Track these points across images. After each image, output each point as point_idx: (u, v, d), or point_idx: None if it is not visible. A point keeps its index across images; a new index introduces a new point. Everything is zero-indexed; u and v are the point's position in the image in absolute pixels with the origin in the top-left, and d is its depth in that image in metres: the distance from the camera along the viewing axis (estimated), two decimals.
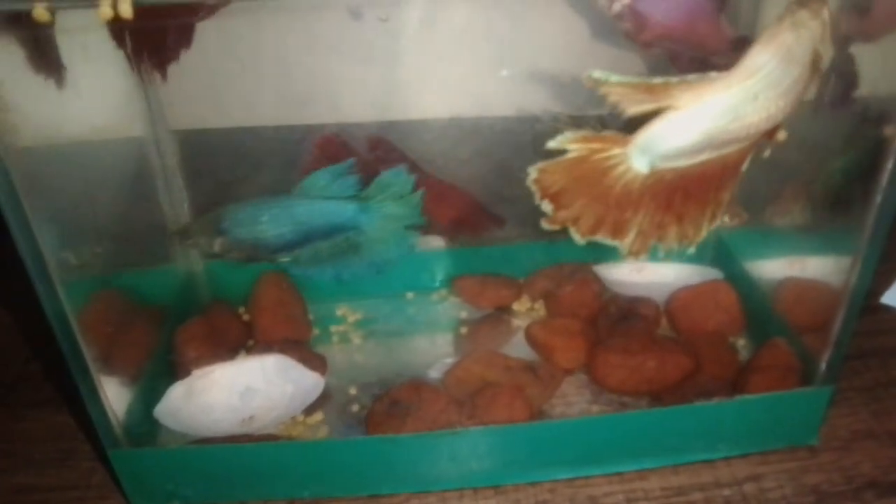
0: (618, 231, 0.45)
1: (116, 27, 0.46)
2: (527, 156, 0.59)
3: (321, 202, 0.54)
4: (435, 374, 0.61)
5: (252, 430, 0.56)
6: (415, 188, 0.56)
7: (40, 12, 0.39)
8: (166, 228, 0.66)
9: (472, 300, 0.69)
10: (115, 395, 0.50)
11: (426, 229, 0.63)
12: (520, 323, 0.67)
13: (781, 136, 0.46)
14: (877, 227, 0.48)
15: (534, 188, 0.44)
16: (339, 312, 0.69)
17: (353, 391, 0.61)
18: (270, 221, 0.54)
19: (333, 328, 0.68)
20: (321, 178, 0.55)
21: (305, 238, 0.55)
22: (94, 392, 0.49)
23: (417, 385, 0.58)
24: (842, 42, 0.46)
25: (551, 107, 0.58)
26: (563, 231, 0.46)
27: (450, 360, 0.62)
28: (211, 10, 0.47)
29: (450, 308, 0.70)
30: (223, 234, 0.55)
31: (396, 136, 0.61)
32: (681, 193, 0.45)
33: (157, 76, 0.55)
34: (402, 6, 0.52)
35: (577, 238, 0.45)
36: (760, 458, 0.56)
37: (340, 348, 0.66)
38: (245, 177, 0.62)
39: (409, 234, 0.56)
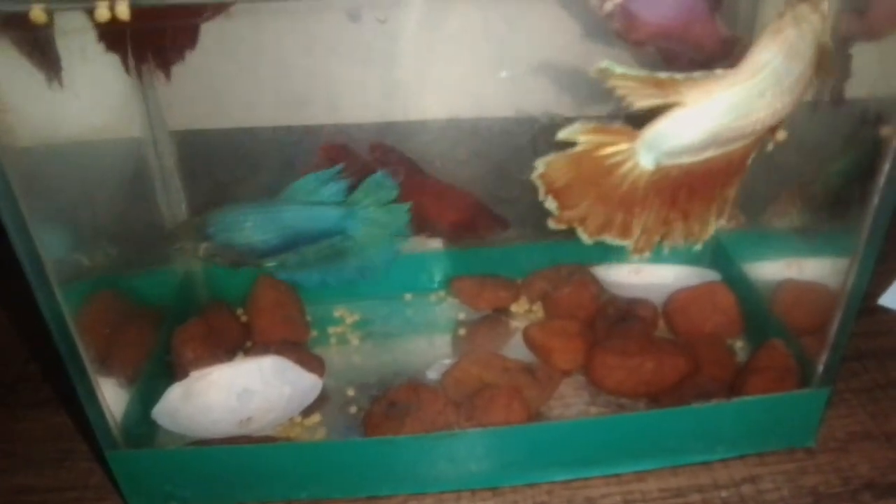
0: (625, 230, 0.45)
1: (118, 29, 0.46)
2: (525, 157, 0.60)
3: (307, 207, 0.54)
4: (433, 375, 0.61)
5: (250, 432, 0.56)
6: (400, 193, 0.56)
7: (37, 13, 0.39)
8: (164, 229, 0.66)
9: (470, 301, 0.69)
10: (113, 397, 0.50)
11: (431, 232, 0.63)
12: (518, 324, 0.67)
13: (781, 136, 0.46)
14: (874, 228, 0.48)
15: (539, 182, 0.44)
16: (336, 314, 0.69)
17: (350, 392, 0.61)
18: (256, 226, 0.54)
19: (331, 329, 0.68)
20: (308, 184, 0.55)
21: (291, 243, 0.55)
22: (92, 393, 0.49)
23: (415, 386, 0.58)
24: (839, 38, 0.46)
25: (549, 107, 0.59)
26: (565, 231, 0.47)
27: (448, 362, 0.62)
28: (216, 11, 0.47)
29: (448, 309, 0.70)
30: (208, 239, 0.55)
31: (395, 137, 0.61)
32: (686, 190, 0.45)
33: (160, 76, 0.54)
34: (400, 8, 0.52)
35: (585, 238, 0.45)
36: (758, 459, 0.56)
37: (338, 350, 0.66)
38: (243, 177, 0.62)
39: (394, 239, 0.56)
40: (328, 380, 0.61)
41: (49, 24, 0.39)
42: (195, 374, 0.54)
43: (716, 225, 0.47)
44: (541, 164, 0.43)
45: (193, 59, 0.54)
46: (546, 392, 0.59)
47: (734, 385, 0.58)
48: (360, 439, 0.56)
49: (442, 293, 0.71)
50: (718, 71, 0.41)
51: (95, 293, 0.53)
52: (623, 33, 0.46)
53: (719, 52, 0.46)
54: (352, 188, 0.56)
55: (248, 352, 0.64)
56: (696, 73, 0.40)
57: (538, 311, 0.69)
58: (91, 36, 0.49)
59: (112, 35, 0.49)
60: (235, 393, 0.55)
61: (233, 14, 0.48)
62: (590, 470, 0.55)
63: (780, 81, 0.41)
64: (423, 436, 0.54)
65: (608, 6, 0.44)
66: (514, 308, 0.69)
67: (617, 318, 0.64)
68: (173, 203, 0.67)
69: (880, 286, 0.72)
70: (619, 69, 0.39)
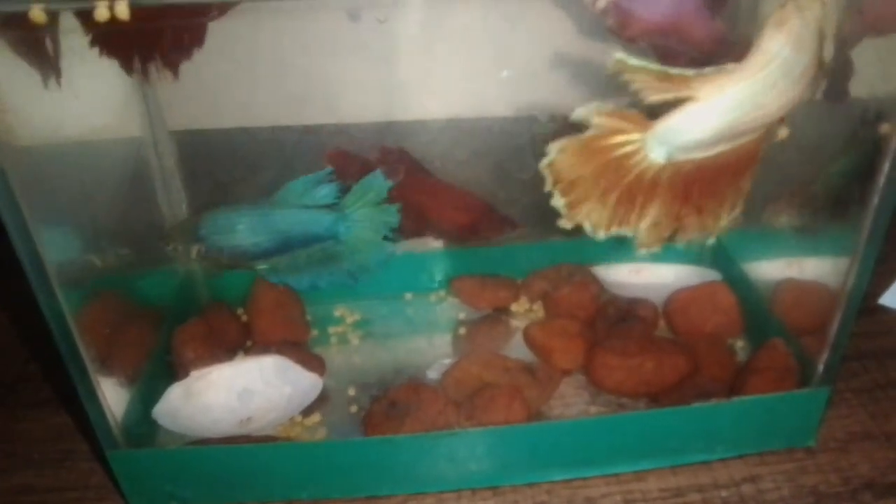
0: (629, 222, 0.45)
1: (124, 29, 0.47)
2: (524, 157, 0.60)
3: (299, 211, 0.54)
4: (433, 374, 0.61)
5: (250, 431, 0.56)
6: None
7: (37, 13, 0.39)
8: (162, 230, 0.66)
9: (470, 301, 0.70)
10: (113, 396, 0.50)
11: (440, 234, 0.63)
12: (518, 324, 0.67)
13: (784, 133, 0.46)
14: (874, 228, 0.48)
15: (547, 172, 0.44)
16: (337, 313, 0.69)
17: (351, 392, 0.61)
18: (247, 229, 0.54)
19: (332, 329, 0.68)
20: (298, 186, 0.55)
21: (282, 246, 0.55)
22: (93, 393, 0.49)
23: (416, 386, 0.58)
24: (841, 31, 0.46)
25: (549, 107, 0.59)
26: (565, 230, 0.47)
27: (448, 361, 0.62)
28: (223, 10, 0.47)
29: (448, 309, 0.70)
30: (200, 241, 0.55)
31: (395, 137, 0.61)
32: (699, 185, 0.45)
33: (168, 75, 0.54)
34: (399, 7, 0.52)
35: (594, 235, 0.45)
36: (758, 459, 0.56)
37: (339, 349, 0.66)
38: (243, 177, 0.62)
39: (386, 243, 0.56)
40: (328, 379, 0.61)
41: (48, 25, 0.39)
42: (195, 374, 0.54)
43: (731, 217, 0.47)
44: (553, 150, 0.43)
45: (193, 58, 0.54)
46: (546, 392, 0.60)
47: (734, 385, 0.58)
48: (360, 439, 0.56)
49: (442, 293, 0.71)
50: (729, 65, 0.41)
51: (96, 293, 0.53)
52: (617, 30, 0.46)
53: (716, 48, 0.46)
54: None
55: (249, 351, 0.64)
56: (708, 69, 0.40)
57: (538, 310, 0.69)
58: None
59: (116, 35, 0.49)
60: (236, 392, 0.55)
61: (235, 13, 0.48)
62: (590, 469, 0.55)
63: (789, 72, 0.41)
64: (423, 435, 0.54)
65: (601, 3, 0.44)
66: (514, 308, 0.69)
67: (617, 317, 0.64)
68: (173, 203, 0.67)
69: (880, 286, 0.72)
70: (634, 62, 0.39)
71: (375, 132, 0.61)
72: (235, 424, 0.55)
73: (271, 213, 0.54)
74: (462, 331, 0.67)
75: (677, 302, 0.65)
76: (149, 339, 0.61)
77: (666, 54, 0.49)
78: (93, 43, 0.49)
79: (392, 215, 0.56)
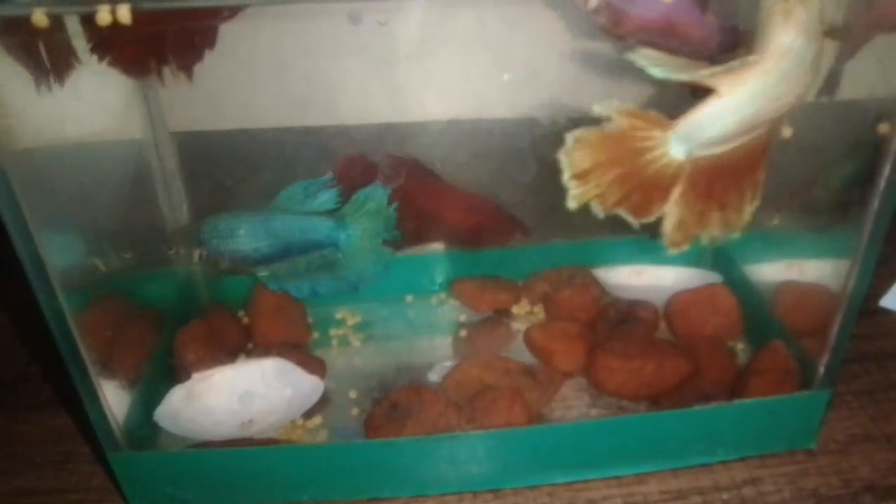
0: (640, 209, 0.45)
1: (135, 33, 0.47)
2: (525, 159, 0.60)
3: (299, 217, 0.55)
4: (434, 377, 0.61)
5: (251, 434, 0.56)
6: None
7: (39, 17, 0.39)
8: (165, 230, 0.67)
9: (471, 303, 0.70)
10: (114, 398, 0.50)
11: (450, 239, 0.63)
12: (519, 326, 0.67)
13: (787, 132, 0.46)
14: (875, 230, 0.48)
15: (564, 161, 0.43)
16: (338, 315, 0.69)
17: (352, 395, 0.61)
18: (247, 235, 0.54)
19: (333, 331, 0.68)
20: (298, 192, 0.55)
21: (282, 253, 0.55)
22: (94, 395, 0.49)
23: (417, 388, 0.58)
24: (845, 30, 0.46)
25: (550, 109, 0.59)
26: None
27: (449, 364, 0.62)
28: (234, 12, 0.48)
29: (449, 311, 0.70)
30: (202, 246, 0.55)
31: (395, 138, 0.61)
32: (720, 181, 0.45)
33: (182, 78, 0.55)
34: (400, 10, 0.52)
35: (598, 211, 0.45)
36: (759, 461, 0.56)
37: (340, 352, 0.66)
38: (244, 179, 0.62)
39: (385, 251, 0.56)
40: (329, 382, 0.61)
41: (50, 29, 0.39)
42: (197, 377, 0.54)
43: (750, 212, 0.47)
44: (570, 138, 0.43)
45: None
46: (547, 394, 0.60)
47: (735, 387, 0.58)
48: (361, 441, 0.56)
49: (443, 295, 0.71)
50: (752, 57, 0.41)
51: (97, 295, 0.53)
52: (609, 28, 0.46)
53: (709, 45, 0.46)
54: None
55: (250, 354, 0.64)
56: (733, 63, 0.41)
57: (539, 312, 0.69)
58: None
59: (130, 40, 0.50)
60: (237, 395, 0.55)
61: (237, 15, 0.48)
62: (591, 472, 0.55)
63: (802, 62, 0.41)
64: (424, 438, 0.54)
65: (592, 2, 0.45)
66: (515, 310, 0.69)
67: (618, 320, 0.64)
68: (174, 204, 0.67)
69: (881, 288, 0.72)
70: (652, 62, 0.40)
71: (376, 134, 0.61)
72: (237, 427, 0.55)
73: (272, 219, 0.54)
74: (463, 333, 0.67)
75: (678, 304, 0.65)
76: (150, 341, 0.61)
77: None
78: (103, 47, 0.50)
79: (391, 226, 0.56)
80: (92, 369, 0.48)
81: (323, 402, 0.59)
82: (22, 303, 0.45)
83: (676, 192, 0.44)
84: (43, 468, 0.58)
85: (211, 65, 0.55)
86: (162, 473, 0.53)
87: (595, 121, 0.43)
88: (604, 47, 0.59)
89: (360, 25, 0.54)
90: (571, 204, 0.44)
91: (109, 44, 0.49)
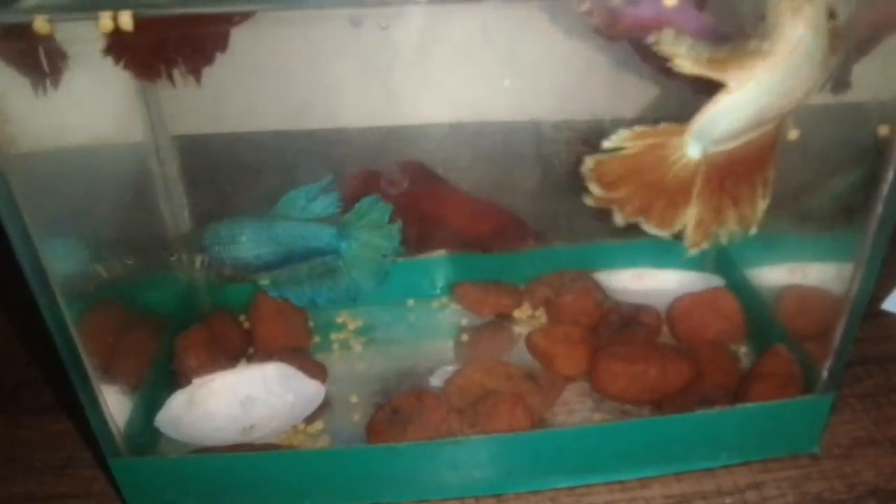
0: (665, 220, 0.46)
1: (146, 37, 0.47)
2: (528, 163, 0.60)
3: (301, 224, 0.55)
4: (436, 382, 0.61)
5: (253, 439, 0.56)
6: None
7: (41, 24, 0.39)
8: (167, 235, 0.66)
9: (472, 307, 0.69)
10: (115, 404, 0.50)
11: (462, 246, 0.63)
12: (521, 330, 0.67)
13: (794, 134, 0.47)
14: (878, 233, 0.48)
15: (588, 175, 0.45)
16: (339, 320, 0.69)
17: (353, 399, 0.61)
18: (250, 241, 0.54)
19: (334, 336, 0.68)
20: (300, 197, 0.55)
21: (284, 259, 0.55)
22: (95, 400, 0.48)
23: (418, 393, 0.58)
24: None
25: (551, 114, 0.59)
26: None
27: (451, 368, 0.61)
28: (245, 17, 0.49)
29: (451, 315, 0.70)
30: (204, 252, 0.55)
31: (397, 142, 0.61)
32: (732, 176, 0.45)
33: (192, 81, 0.55)
34: (402, 14, 0.52)
35: (619, 220, 0.46)
36: (762, 465, 0.56)
37: (341, 356, 0.66)
38: (246, 183, 0.62)
39: (385, 263, 0.57)
40: (331, 387, 0.61)
41: (52, 35, 0.39)
42: (198, 382, 0.54)
43: (763, 207, 0.47)
44: (590, 161, 0.44)
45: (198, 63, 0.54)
46: (549, 399, 0.59)
47: (738, 391, 0.58)
48: (363, 446, 0.56)
49: (445, 299, 0.71)
50: (765, 44, 0.41)
51: (98, 300, 0.53)
52: (602, 28, 0.47)
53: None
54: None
55: (251, 359, 0.64)
56: (749, 44, 0.41)
57: (541, 317, 0.69)
58: (94, 44, 0.49)
59: (141, 44, 0.50)
60: (238, 400, 0.54)
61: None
62: (593, 477, 0.55)
63: (811, 58, 0.41)
64: (426, 443, 0.54)
65: (585, 4, 0.45)
66: (516, 314, 0.69)
67: (620, 324, 0.64)
68: (175, 208, 0.67)
69: (884, 291, 0.72)
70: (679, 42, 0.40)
71: (378, 138, 0.61)
72: (238, 432, 0.55)
73: (274, 225, 0.54)
74: (465, 337, 0.67)
75: (680, 308, 0.65)
76: (151, 346, 0.60)
77: (651, 53, 0.49)
78: (113, 51, 0.50)
79: (393, 239, 0.56)
80: (93, 374, 0.48)
81: (324, 407, 0.59)
82: (22, 307, 0.45)
83: (695, 192, 0.45)
84: (43, 473, 0.58)
85: (212, 69, 0.55)
86: (163, 479, 0.53)
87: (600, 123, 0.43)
88: (605, 52, 0.59)
89: (362, 30, 0.54)
90: (589, 202, 0.45)
91: (124, 47, 0.50)
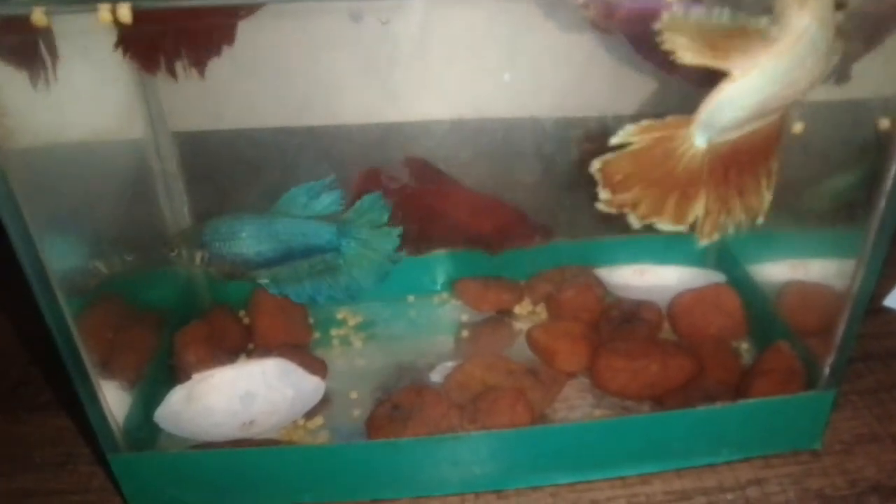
0: (679, 215, 0.46)
1: (151, 29, 0.47)
2: (528, 159, 0.59)
3: (302, 222, 0.55)
4: (436, 377, 0.61)
5: (252, 435, 0.56)
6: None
7: (39, 16, 0.38)
8: (166, 231, 0.66)
9: (473, 303, 0.69)
10: (115, 400, 0.50)
11: (469, 243, 0.62)
12: (521, 326, 0.67)
13: (798, 128, 0.46)
14: (880, 229, 0.47)
15: (597, 176, 0.44)
16: (339, 316, 0.69)
17: (353, 395, 0.61)
18: (250, 237, 0.54)
19: (334, 331, 0.68)
20: (302, 195, 0.55)
21: (284, 257, 0.55)
22: (94, 396, 0.48)
23: (419, 389, 0.58)
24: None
25: (552, 110, 0.58)
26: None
27: (451, 364, 0.61)
28: (251, 10, 0.49)
29: (451, 311, 0.70)
30: (204, 248, 0.55)
31: (398, 139, 0.61)
32: (735, 166, 0.45)
33: (194, 74, 0.55)
34: (402, 9, 0.52)
35: (635, 222, 0.45)
36: (764, 462, 0.56)
37: (341, 352, 0.66)
38: (246, 179, 0.62)
39: (385, 262, 0.56)
40: (331, 382, 0.61)
41: (49, 27, 0.39)
42: (197, 377, 0.54)
43: (768, 198, 0.47)
44: (597, 163, 0.44)
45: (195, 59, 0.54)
46: (550, 394, 0.59)
47: (739, 387, 0.58)
48: (363, 442, 0.56)
49: (445, 295, 0.71)
50: (774, 28, 0.41)
51: (97, 296, 0.53)
52: (598, 21, 0.46)
53: None
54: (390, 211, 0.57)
55: (251, 354, 0.64)
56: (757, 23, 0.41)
57: (542, 312, 0.69)
58: (94, 38, 0.49)
59: (143, 36, 0.50)
60: (238, 396, 0.54)
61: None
62: (594, 473, 0.55)
63: (816, 48, 0.41)
64: (426, 438, 0.54)
65: None
66: (517, 310, 0.69)
67: (621, 320, 0.64)
68: (175, 205, 0.67)
69: (886, 287, 0.72)
70: (688, 19, 0.40)
71: (379, 134, 0.61)
72: (237, 428, 0.55)
73: (274, 222, 0.54)
74: (465, 333, 0.67)
75: (681, 304, 0.65)
76: (150, 342, 0.60)
77: (645, 45, 0.49)
78: (119, 43, 0.50)
79: (393, 239, 0.56)
80: (92, 371, 0.48)
81: (324, 403, 0.59)
82: (22, 304, 0.45)
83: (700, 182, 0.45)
84: (43, 469, 0.58)
85: (212, 64, 0.55)
86: (162, 475, 0.53)
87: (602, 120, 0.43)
88: (605, 48, 0.59)
89: (362, 24, 0.54)
90: (604, 206, 0.45)
91: (133, 39, 0.49)
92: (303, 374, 0.57)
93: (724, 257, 0.69)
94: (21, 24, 0.39)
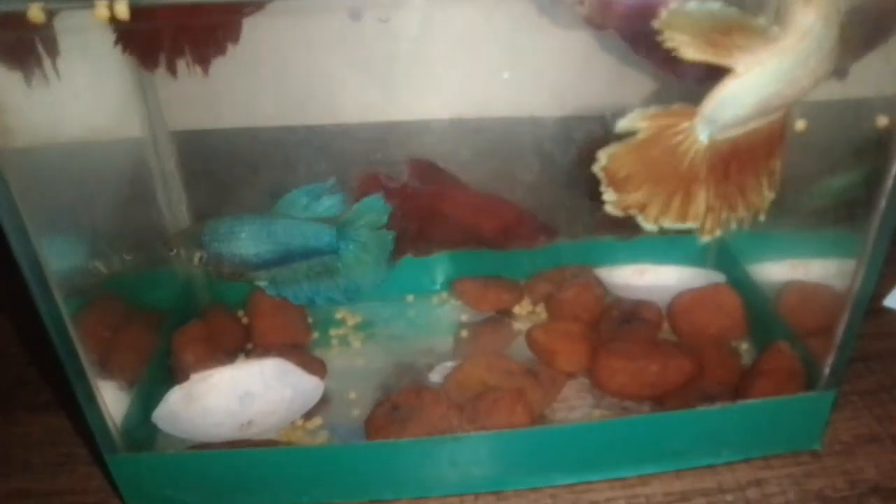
0: (683, 213, 0.46)
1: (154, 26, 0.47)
2: (528, 158, 0.59)
3: (301, 223, 0.54)
4: (436, 377, 0.61)
5: (251, 435, 0.56)
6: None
7: (36, 13, 0.38)
8: (165, 231, 0.66)
9: (472, 303, 0.69)
10: (112, 400, 0.50)
11: (474, 244, 0.62)
12: (521, 326, 0.67)
13: (801, 125, 0.46)
14: (880, 229, 0.47)
15: (601, 175, 0.44)
16: (338, 315, 0.69)
17: (352, 395, 0.60)
18: (249, 238, 0.54)
19: (333, 331, 0.67)
20: (302, 197, 0.55)
21: (283, 258, 0.55)
22: (92, 396, 0.48)
23: (418, 389, 0.57)
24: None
25: (552, 109, 0.58)
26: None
27: (451, 364, 0.61)
28: (257, 7, 0.49)
29: (450, 311, 0.70)
30: (202, 248, 0.55)
31: (397, 137, 0.60)
32: (736, 163, 0.45)
33: (198, 71, 0.55)
34: (401, 7, 0.52)
35: (646, 225, 0.45)
36: (763, 462, 0.56)
37: (340, 352, 0.66)
38: (245, 178, 0.62)
39: (383, 264, 0.56)
40: (330, 382, 0.60)
41: (46, 24, 0.39)
42: (196, 377, 0.54)
43: (770, 197, 0.47)
44: (603, 156, 0.43)
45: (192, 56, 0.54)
46: (549, 395, 0.59)
47: (739, 388, 0.58)
48: (362, 443, 0.56)
49: (444, 295, 0.71)
50: (775, 28, 0.41)
51: (95, 296, 0.53)
52: (592, 18, 0.46)
53: None
54: (392, 214, 0.57)
55: (250, 354, 0.64)
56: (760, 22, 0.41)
57: (541, 312, 0.69)
58: (92, 36, 0.49)
59: (145, 32, 0.50)
60: (236, 396, 0.54)
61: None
62: (594, 473, 0.55)
63: (820, 47, 0.41)
64: (425, 439, 0.54)
65: None
66: (517, 310, 0.69)
67: (621, 320, 0.63)
68: (174, 204, 0.66)
69: (886, 287, 0.71)
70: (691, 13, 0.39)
71: (377, 133, 0.60)
72: (236, 428, 0.55)
73: (273, 223, 0.54)
74: (464, 333, 0.67)
75: (681, 304, 0.65)
76: (148, 341, 0.60)
77: (638, 42, 0.49)
78: (119, 40, 0.50)
79: (388, 242, 0.56)
80: (90, 371, 0.47)
81: (323, 403, 0.59)
82: (20, 304, 0.45)
83: (700, 178, 0.44)
84: (40, 470, 0.58)
85: (210, 62, 0.55)
86: (160, 475, 0.52)
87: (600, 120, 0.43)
88: (605, 46, 0.58)
89: (361, 22, 0.54)
90: (610, 208, 0.45)
91: (134, 36, 0.49)
92: (302, 374, 0.57)
93: (723, 257, 0.69)
94: (18, 21, 0.39)
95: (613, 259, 0.68)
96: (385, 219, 0.56)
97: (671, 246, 0.63)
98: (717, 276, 0.67)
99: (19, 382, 0.67)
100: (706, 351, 0.60)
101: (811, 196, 0.58)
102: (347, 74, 0.60)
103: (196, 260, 0.55)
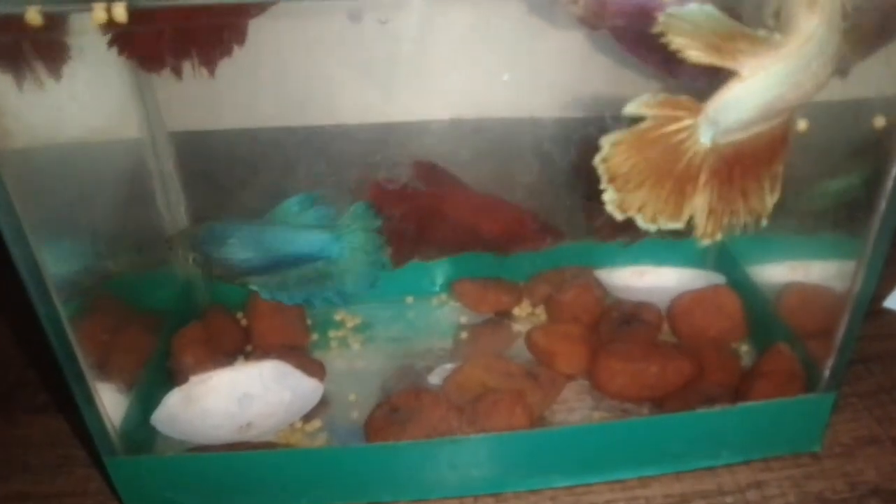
0: (676, 214, 0.45)
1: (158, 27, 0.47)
2: (527, 159, 0.59)
3: (294, 230, 0.55)
4: (435, 380, 0.61)
5: (250, 438, 0.55)
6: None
7: (33, 15, 0.38)
8: (164, 232, 0.66)
9: (472, 305, 0.69)
10: (111, 402, 0.50)
11: (479, 247, 0.63)
12: (520, 328, 0.67)
13: (803, 125, 0.46)
14: (880, 231, 0.47)
15: (601, 168, 0.44)
16: (337, 317, 0.69)
17: (352, 398, 0.60)
18: (238, 244, 0.54)
19: (332, 333, 0.67)
20: (293, 206, 0.55)
21: (273, 265, 0.55)
22: (91, 399, 0.48)
23: (417, 391, 0.57)
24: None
25: (552, 110, 0.58)
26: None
27: (450, 366, 0.61)
28: (262, 9, 0.49)
29: (450, 313, 0.70)
30: (196, 249, 0.55)
31: (397, 138, 0.60)
32: (739, 167, 0.45)
33: (204, 73, 0.55)
34: (401, 8, 0.52)
35: (645, 226, 0.45)
36: (763, 464, 0.56)
37: (339, 354, 0.66)
38: (243, 180, 0.62)
39: (376, 267, 0.56)
40: (329, 384, 0.60)
41: (44, 27, 0.39)
42: (195, 379, 0.54)
43: (773, 201, 0.47)
44: (606, 144, 0.43)
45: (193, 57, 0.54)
46: (549, 397, 0.59)
47: (739, 389, 0.58)
48: (361, 445, 0.56)
49: (444, 296, 0.71)
50: (777, 35, 0.41)
51: (94, 297, 0.53)
52: (585, 18, 0.46)
53: None
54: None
55: (249, 356, 0.64)
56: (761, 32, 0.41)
57: (541, 314, 0.68)
58: (90, 38, 0.49)
59: (149, 35, 0.50)
60: (235, 398, 0.54)
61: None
62: (593, 476, 0.55)
63: (823, 52, 0.41)
64: (425, 441, 0.53)
65: None
66: (516, 311, 0.69)
67: (621, 321, 0.63)
68: (172, 205, 0.66)
69: (886, 288, 0.71)
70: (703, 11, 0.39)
71: (376, 134, 0.60)
72: (235, 430, 0.55)
73: (265, 230, 0.54)
74: (464, 335, 0.67)
75: (681, 306, 0.65)
76: (147, 343, 0.60)
77: (632, 41, 0.49)
78: (119, 41, 0.50)
79: (380, 244, 0.57)
80: (88, 373, 0.47)
81: (322, 405, 0.59)
82: (18, 306, 0.45)
83: (702, 181, 0.44)
84: (39, 472, 0.58)
85: (217, 64, 0.55)
86: (159, 478, 0.52)
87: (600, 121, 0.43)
88: (605, 47, 0.58)
89: (361, 24, 0.54)
90: (610, 208, 0.44)
91: (139, 38, 0.49)
92: (301, 376, 0.57)
93: (723, 259, 0.69)
94: (15, 24, 0.39)
95: (613, 260, 0.68)
96: (378, 223, 0.56)
97: (671, 247, 0.63)
98: (717, 278, 0.67)
99: (18, 384, 0.67)
100: (706, 353, 0.60)
101: (811, 198, 0.58)
102: (347, 75, 0.60)
103: (189, 260, 0.55)
